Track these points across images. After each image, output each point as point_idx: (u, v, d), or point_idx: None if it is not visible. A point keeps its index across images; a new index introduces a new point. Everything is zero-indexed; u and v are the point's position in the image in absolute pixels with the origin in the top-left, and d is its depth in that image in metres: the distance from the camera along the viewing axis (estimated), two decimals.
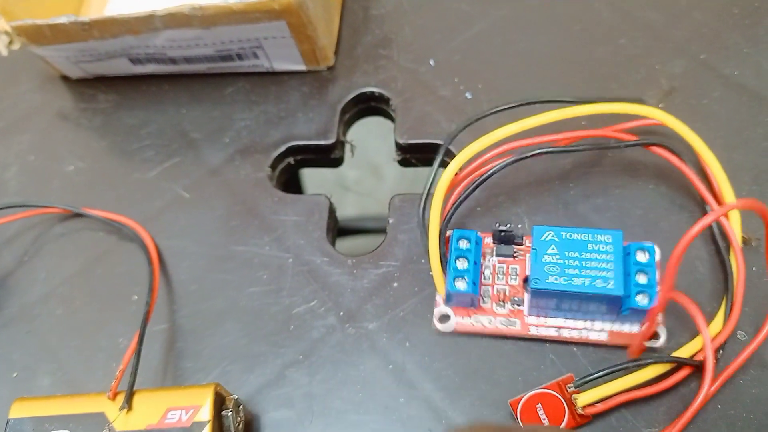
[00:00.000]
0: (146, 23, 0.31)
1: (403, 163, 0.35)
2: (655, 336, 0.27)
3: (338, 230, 0.62)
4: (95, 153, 0.35)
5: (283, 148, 0.34)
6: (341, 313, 0.29)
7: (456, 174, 0.28)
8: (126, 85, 0.37)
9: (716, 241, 0.29)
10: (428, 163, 0.34)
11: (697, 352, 0.26)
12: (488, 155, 0.29)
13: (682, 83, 0.33)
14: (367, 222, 0.79)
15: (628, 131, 0.30)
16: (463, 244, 0.27)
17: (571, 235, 0.26)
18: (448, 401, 0.27)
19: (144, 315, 0.27)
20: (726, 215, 0.28)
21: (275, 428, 0.27)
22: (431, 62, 0.35)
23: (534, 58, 0.34)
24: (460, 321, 0.28)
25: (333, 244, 0.31)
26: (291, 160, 0.34)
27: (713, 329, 0.26)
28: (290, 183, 0.36)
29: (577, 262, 0.25)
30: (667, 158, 0.29)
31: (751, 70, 0.33)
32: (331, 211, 0.32)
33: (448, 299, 0.28)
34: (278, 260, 0.30)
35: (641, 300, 0.25)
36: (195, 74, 0.36)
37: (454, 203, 0.28)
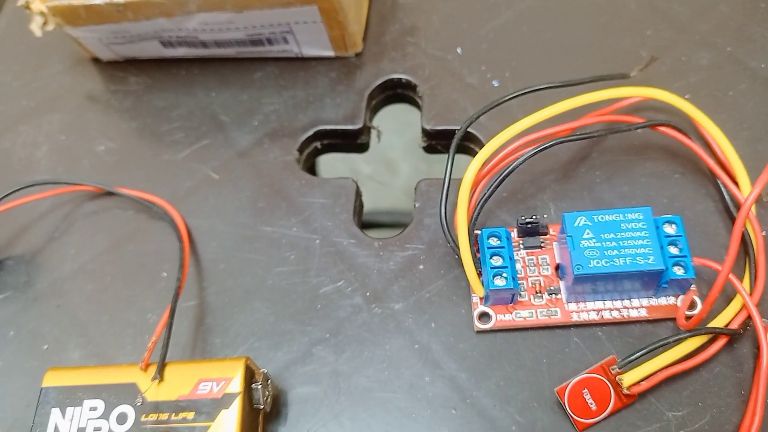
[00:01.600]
0: (180, 6, 0.32)
1: (429, 149, 0.35)
2: (692, 305, 0.27)
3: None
4: (125, 134, 0.35)
5: (310, 132, 0.34)
6: (367, 294, 0.29)
7: (478, 171, 0.29)
8: (156, 69, 0.37)
9: (730, 210, 0.29)
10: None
11: (729, 322, 0.26)
12: (506, 150, 0.29)
13: (708, 75, 0.33)
14: (381, 216, 0.80)
15: (627, 110, 0.31)
16: (495, 241, 0.27)
17: (603, 218, 0.26)
18: (473, 381, 0.27)
19: (175, 290, 0.28)
20: (737, 184, 0.29)
21: (302, 404, 0.27)
22: (458, 50, 0.35)
23: (560, 48, 0.35)
24: (501, 318, 0.28)
25: (360, 226, 0.32)
26: (318, 144, 0.35)
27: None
28: (312, 171, 0.36)
29: (614, 243, 0.26)
30: (674, 137, 0.30)
31: None
32: (358, 194, 0.33)
33: (487, 299, 0.28)
34: (306, 241, 0.31)
35: (678, 271, 0.26)
36: (224, 59, 0.37)
37: (477, 202, 0.29)
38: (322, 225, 0.31)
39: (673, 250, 0.26)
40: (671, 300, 0.27)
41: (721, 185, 0.30)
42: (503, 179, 0.29)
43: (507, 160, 0.30)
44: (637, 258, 0.26)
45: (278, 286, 0.30)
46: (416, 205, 0.31)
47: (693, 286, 0.28)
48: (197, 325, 0.29)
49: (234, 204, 0.32)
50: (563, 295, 0.28)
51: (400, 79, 0.35)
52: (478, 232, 0.29)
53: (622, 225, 0.26)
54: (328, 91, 0.35)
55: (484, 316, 0.28)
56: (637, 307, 0.27)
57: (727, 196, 0.30)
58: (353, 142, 0.35)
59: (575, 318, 0.28)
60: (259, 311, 0.29)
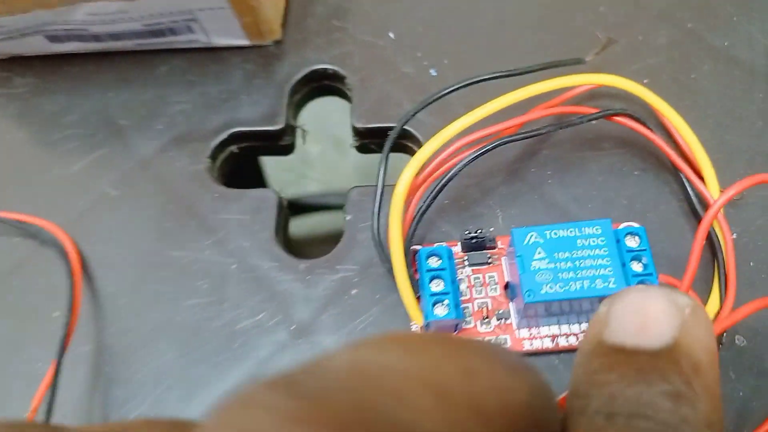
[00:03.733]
0: None
1: (362, 149, 0.31)
2: None
3: (300, 208, 0.58)
4: (9, 146, 0.30)
5: (224, 136, 0.30)
6: (293, 327, 0.25)
7: (413, 179, 0.25)
8: (45, 66, 0.32)
9: (696, 210, 0.26)
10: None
11: None
12: (445, 153, 0.25)
13: (667, 56, 0.29)
14: (329, 198, 0.76)
15: (578, 99, 0.28)
16: (435, 262, 0.24)
17: (556, 233, 0.23)
18: None
19: (62, 337, 0.24)
20: (703, 180, 0.26)
21: None
22: (391, 35, 0.31)
23: (504, 29, 0.31)
24: None
25: (283, 245, 0.28)
26: (234, 148, 0.30)
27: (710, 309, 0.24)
28: (238, 171, 0.32)
29: (570, 263, 0.22)
30: (631, 127, 0.27)
31: (742, 40, 0.30)
32: (281, 207, 0.28)
33: (428, 327, 0.24)
34: (220, 266, 0.27)
35: None
36: (123, 52, 0.32)
37: (414, 214, 0.25)
38: (239, 246, 0.27)
39: (637, 267, 0.23)
40: None
41: (685, 181, 0.26)
42: (441, 188, 0.25)
43: (446, 166, 0.26)
44: (596, 281, 0.22)
45: (189, 322, 0.26)
46: (347, 219, 0.28)
47: None
48: (94, 376, 0.25)
49: (136, 225, 0.28)
50: (513, 320, 0.24)
51: (326, 69, 0.31)
52: (418, 247, 0.25)
53: (578, 242, 0.23)
54: (243, 86, 0.31)
55: None
56: None
57: (692, 194, 0.26)
58: (275, 144, 0.31)
59: (527, 346, 0.24)
60: (168, 354, 0.25)
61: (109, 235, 0.28)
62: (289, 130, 0.31)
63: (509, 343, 0.24)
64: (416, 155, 0.25)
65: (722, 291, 0.24)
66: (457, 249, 0.26)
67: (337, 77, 0.31)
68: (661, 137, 0.26)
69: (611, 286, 0.22)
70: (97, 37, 0.30)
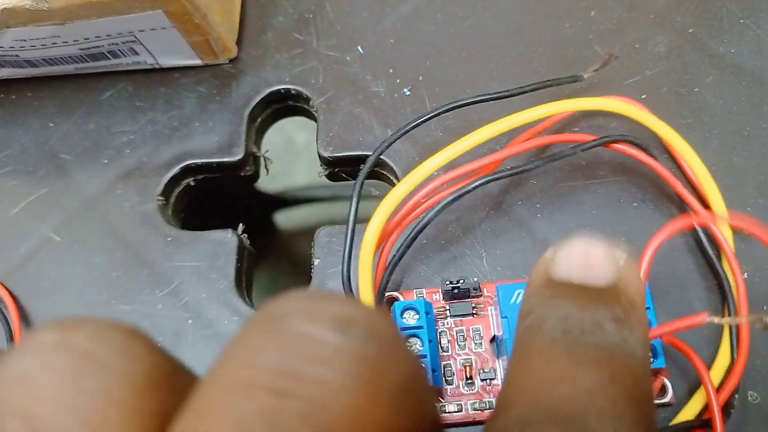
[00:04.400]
0: None
1: (332, 177, 0.28)
2: (662, 391, 0.21)
3: (292, 201, 0.54)
4: None
5: (176, 170, 0.27)
6: None
7: (383, 227, 0.22)
8: None
9: (703, 246, 0.23)
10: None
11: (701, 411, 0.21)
12: (420, 193, 0.23)
13: (667, 66, 0.26)
14: (320, 191, 0.73)
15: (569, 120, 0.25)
16: (411, 318, 0.21)
17: None
18: None
19: None
20: (709, 209, 0.23)
21: None
22: (359, 49, 0.28)
23: (487, 39, 0.28)
24: None
25: (245, 295, 0.25)
26: (191, 181, 0.27)
27: (721, 365, 0.21)
28: (199, 204, 0.29)
29: None
30: (632, 155, 0.24)
31: (750, 46, 0.27)
32: (242, 249, 0.26)
33: None
34: (174, 322, 0.24)
35: None
36: (64, 75, 0.29)
37: (386, 264, 0.22)
38: (194, 298, 0.24)
39: None
40: None
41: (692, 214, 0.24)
42: (417, 234, 0.22)
43: (422, 207, 0.23)
44: None
45: None
46: (315, 263, 0.25)
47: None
48: None
49: (82, 274, 0.25)
50: (501, 381, 0.22)
51: (288, 90, 0.28)
52: (396, 294, 0.23)
53: None
54: (196, 111, 0.28)
55: None
56: None
57: (699, 228, 0.24)
58: (235, 174, 0.28)
59: None
60: None
61: (52, 287, 0.25)
62: (251, 159, 0.28)
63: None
64: (386, 198, 0.22)
65: (733, 343, 0.21)
66: (438, 297, 0.23)
67: (300, 97, 0.28)
68: (663, 164, 0.24)
69: None
70: (30, 63, 0.27)
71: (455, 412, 0.22)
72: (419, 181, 0.22)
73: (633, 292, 0.14)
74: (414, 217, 0.23)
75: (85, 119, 0.28)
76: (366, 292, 0.22)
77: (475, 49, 0.27)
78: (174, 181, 0.27)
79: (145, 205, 0.26)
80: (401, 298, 0.23)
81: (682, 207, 0.24)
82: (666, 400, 0.21)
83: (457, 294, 0.23)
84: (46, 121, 0.28)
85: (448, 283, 0.22)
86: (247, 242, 0.26)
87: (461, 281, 0.22)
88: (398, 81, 0.27)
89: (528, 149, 0.24)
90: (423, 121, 0.24)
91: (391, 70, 0.27)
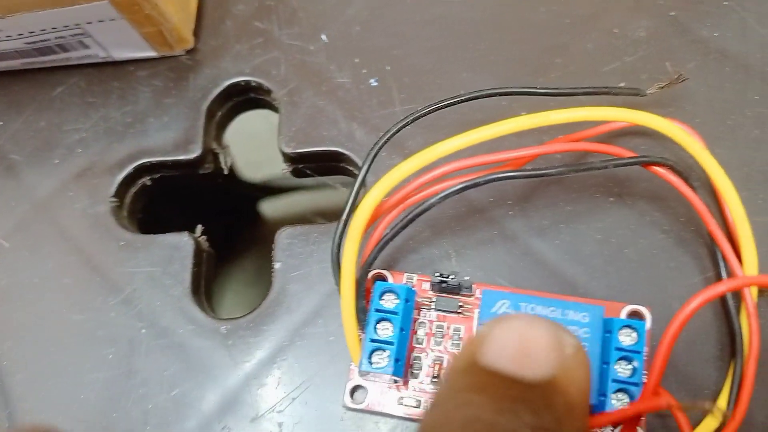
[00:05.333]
0: None
1: (297, 173, 0.27)
2: None
3: (271, 190, 0.53)
4: None
5: (129, 168, 0.25)
6: (213, 405, 0.22)
7: (382, 201, 0.20)
8: None
9: (725, 299, 0.21)
10: (328, 172, 0.26)
11: None
12: (427, 176, 0.21)
13: (646, 52, 0.25)
14: (293, 182, 0.71)
15: (599, 137, 0.23)
16: (389, 302, 0.20)
17: (533, 308, 0.19)
18: None
19: None
20: (739, 257, 0.21)
21: None
22: (323, 37, 0.27)
23: (457, 27, 0.26)
24: (377, 399, 0.21)
25: (203, 302, 0.24)
26: (147, 180, 0.26)
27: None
28: (158, 203, 0.28)
29: None
30: (668, 180, 0.21)
31: (734, 29, 0.25)
32: (199, 253, 0.24)
33: (363, 374, 0.21)
34: (128, 331, 0.23)
35: (617, 401, 0.18)
36: (12, 72, 0.27)
37: (378, 240, 0.21)
38: (148, 306, 0.23)
39: (622, 371, 0.18)
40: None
41: (720, 260, 0.21)
42: (414, 218, 0.20)
43: (432, 190, 0.21)
44: None
45: (94, 402, 0.22)
46: (276, 267, 0.23)
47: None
48: None
49: (32, 282, 0.24)
50: None
51: (248, 82, 0.26)
52: (384, 272, 0.22)
53: None
54: (151, 106, 0.26)
55: (357, 391, 0.21)
56: None
57: (725, 275, 0.21)
58: (194, 172, 0.26)
59: None
60: None
61: (2, 297, 0.24)
62: (210, 156, 0.26)
63: None
64: (382, 179, 0.20)
65: (732, 397, 0.20)
66: (426, 287, 0.22)
67: (261, 89, 0.26)
68: (701, 198, 0.21)
69: None
70: None
71: (413, 407, 0.21)
72: (428, 161, 0.20)
73: (574, 392, 0.11)
74: (420, 198, 0.21)
75: (36, 117, 0.26)
76: (349, 262, 0.20)
77: (445, 38, 0.26)
78: (128, 180, 0.25)
79: (97, 207, 0.25)
80: (389, 279, 0.22)
81: (710, 246, 0.22)
82: None
83: (445, 288, 0.21)
84: None
85: (437, 275, 0.21)
86: (206, 245, 0.25)
87: (452, 276, 0.21)
88: (364, 71, 0.26)
89: (564, 152, 0.22)
90: (451, 104, 0.21)
91: (357, 60, 0.26)
